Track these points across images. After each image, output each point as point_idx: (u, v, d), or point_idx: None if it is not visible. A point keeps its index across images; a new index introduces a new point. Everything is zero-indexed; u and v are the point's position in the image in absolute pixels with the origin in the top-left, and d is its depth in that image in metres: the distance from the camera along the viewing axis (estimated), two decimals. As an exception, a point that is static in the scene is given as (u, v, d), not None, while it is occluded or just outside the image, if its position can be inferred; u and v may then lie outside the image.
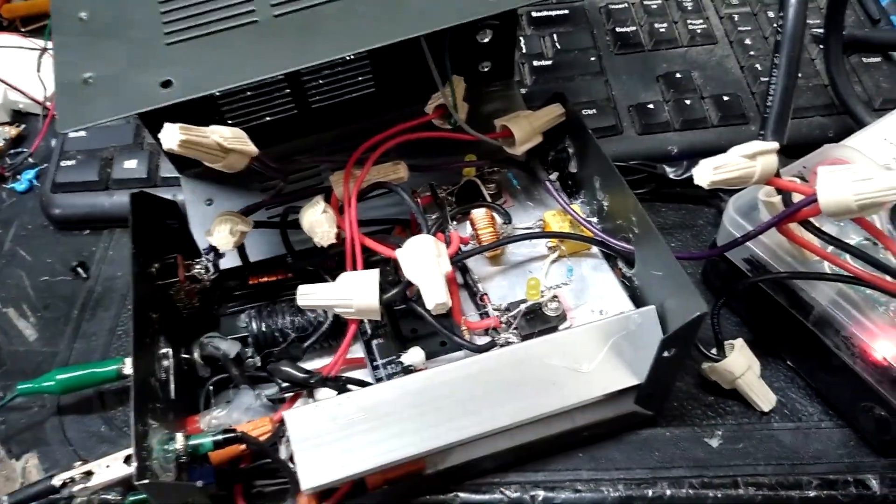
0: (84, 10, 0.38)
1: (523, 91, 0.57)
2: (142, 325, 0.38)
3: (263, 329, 0.43)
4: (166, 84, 0.34)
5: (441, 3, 0.37)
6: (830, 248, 0.41)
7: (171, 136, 0.32)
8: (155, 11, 0.38)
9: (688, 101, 0.57)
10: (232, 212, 0.42)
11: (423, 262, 0.39)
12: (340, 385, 0.41)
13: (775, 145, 0.35)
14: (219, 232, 0.40)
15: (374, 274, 0.39)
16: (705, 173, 0.34)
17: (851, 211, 0.34)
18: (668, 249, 0.39)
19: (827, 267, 0.42)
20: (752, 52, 0.60)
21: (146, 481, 0.32)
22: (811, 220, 0.38)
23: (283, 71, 0.35)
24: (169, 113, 0.34)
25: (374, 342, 0.43)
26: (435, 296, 0.37)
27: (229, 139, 0.34)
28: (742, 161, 0.34)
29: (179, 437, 0.35)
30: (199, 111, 0.36)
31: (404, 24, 0.36)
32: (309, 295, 0.39)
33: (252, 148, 0.36)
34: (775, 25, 0.38)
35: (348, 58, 0.47)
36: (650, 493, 0.41)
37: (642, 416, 0.43)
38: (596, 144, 0.45)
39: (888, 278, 0.38)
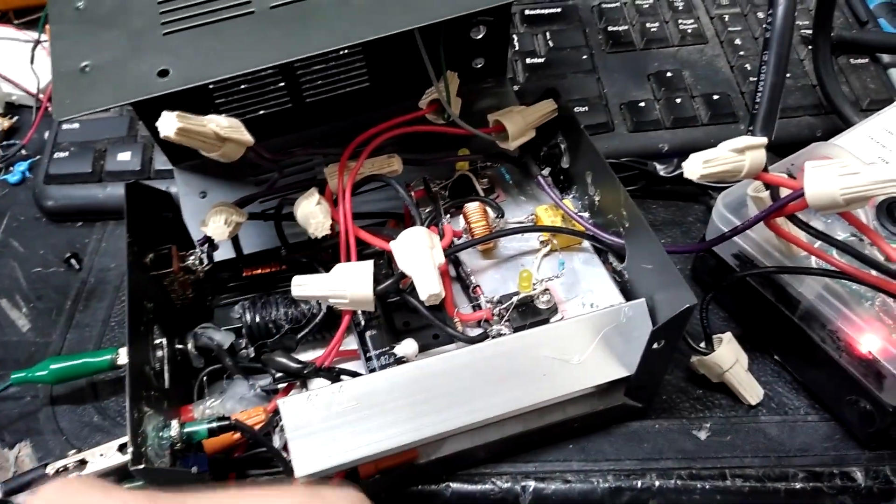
0: (81, 0, 0.38)
1: (516, 88, 0.58)
2: (136, 314, 0.38)
3: (257, 320, 0.43)
4: (163, 73, 0.35)
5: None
6: (817, 244, 0.41)
7: (169, 123, 0.32)
8: (152, 1, 0.38)
9: (678, 100, 0.58)
10: (227, 202, 0.42)
11: (417, 253, 0.39)
12: (334, 376, 0.41)
13: (764, 140, 0.36)
14: (214, 222, 0.41)
15: (369, 265, 0.39)
16: (695, 166, 0.35)
17: (838, 205, 0.35)
18: (659, 243, 0.39)
19: (814, 262, 0.42)
20: (741, 52, 0.61)
21: (142, 466, 0.32)
22: (798, 214, 0.39)
23: (280, 61, 0.35)
24: (164, 103, 0.34)
25: (368, 333, 0.43)
26: (428, 287, 0.37)
27: (226, 128, 0.34)
28: (731, 155, 0.35)
29: (174, 424, 0.36)
30: (193, 103, 0.36)
31: (401, 15, 0.37)
32: (303, 286, 0.39)
33: (248, 137, 0.36)
34: (764, 24, 0.39)
35: (343, 51, 0.47)
36: (639, 483, 0.42)
37: (632, 408, 0.43)
38: (588, 140, 0.45)
39: (874, 273, 0.39)
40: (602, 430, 0.44)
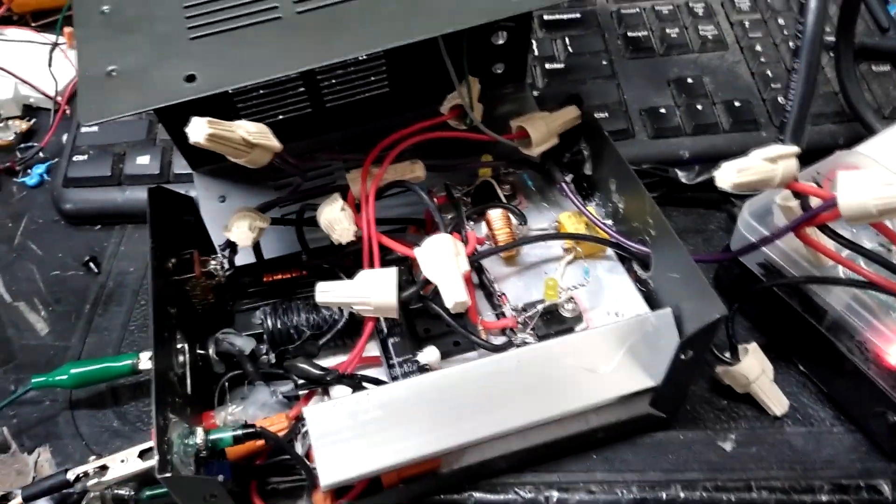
0: (106, 4, 0.38)
1: (535, 93, 0.58)
2: (161, 320, 0.38)
3: (279, 326, 0.43)
4: (190, 78, 0.34)
5: (463, 3, 0.37)
6: (845, 253, 0.41)
7: (199, 129, 0.32)
8: (177, 5, 0.38)
9: (699, 107, 0.57)
10: (250, 208, 0.42)
11: (442, 261, 0.39)
12: (356, 383, 0.41)
13: (795, 149, 0.36)
14: (237, 228, 0.40)
15: (393, 272, 0.39)
16: (728, 175, 0.34)
17: (871, 216, 0.34)
18: (687, 252, 0.39)
19: (841, 272, 0.42)
20: (762, 59, 0.60)
21: (168, 475, 0.32)
22: (828, 224, 0.39)
23: (307, 67, 0.35)
24: (187, 108, 0.34)
25: (391, 341, 0.43)
26: (454, 295, 0.37)
27: (254, 134, 0.34)
28: (764, 164, 0.34)
29: (199, 431, 0.35)
30: (215, 108, 0.36)
31: (426, 23, 0.36)
32: (328, 292, 0.39)
33: (276, 143, 0.36)
34: (795, 31, 0.39)
35: (365, 57, 0.47)
36: (664, 495, 0.41)
37: (657, 418, 0.43)
38: (612, 147, 0.45)
39: (903, 283, 0.39)
40: (626, 441, 0.43)
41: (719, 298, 0.36)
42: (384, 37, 0.36)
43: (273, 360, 0.43)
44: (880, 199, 0.34)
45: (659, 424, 0.43)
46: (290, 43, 0.36)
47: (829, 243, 0.40)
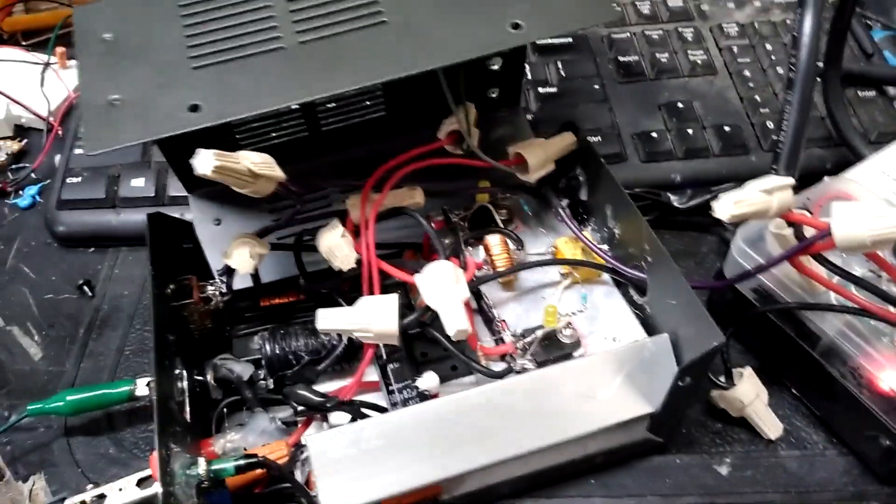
0: (109, 31, 0.38)
1: (529, 117, 0.58)
2: (161, 348, 0.38)
3: (277, 351, 0.43)
4: (194, 108, 0.35)
5: (462, 35, 0.38)
6: (836, 279, 0.42)
7: (206, 162, 0.32)
8: (180, 34, 0.38)
9: (690, 131, 0.58)
10: (249, 234, 0.42)
11: (443, 288, 0.39)
12: (355, 409, 0.41)
13: (791, 181, 0.36)
14: (238, 255, 0.40)
15: (394, 299, 0.39)
16: (726, 207, 0.35)
17: (864, 246, 0.35)
18: (683, 279, 0.40)
19: (833, 298, 0.43)
20: (751, 84, 0.61)
21: (172, 508, 0.31)
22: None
23: (310, 98, 0.35)
24: (185, 134, 0.34)
25: (390, 366, 0.43)
26: (456, 323, 0.37)
27: (259, 164, 0.34)
28: (761, 196, 0.35)
29: (202, 461, 0.35)
30: (213, 133, 0.36)
31: (427, 55, 0.37)
32: (328, 319, 0.39)
33: (280, 173, 0.36)
34: (788, 64, 0.40)
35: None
36: (661, 519, 0.42)
37: (654, 443, 0.43)
38: (608, 173, 0.46)
39: (892, 309, 0.39)
40: (623, 465, 0.44)
41: (717, 326, 0.37)
42: (387, 68, 0.36)
43: (271, 386, 0.43)
44: (874, 231, 0.34)
45: (656, 449, 0.44)
46: (293, 73, 0.36)
47: (822, 270, 0.41)
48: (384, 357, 0.43)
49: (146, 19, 0.38)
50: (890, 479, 0.43)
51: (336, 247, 0.41)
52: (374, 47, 0.37)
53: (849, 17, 0.52)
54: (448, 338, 0.39)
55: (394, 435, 0.37)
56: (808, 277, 0.41)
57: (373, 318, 0.39)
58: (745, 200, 0.35)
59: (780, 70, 0.62)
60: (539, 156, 0.46)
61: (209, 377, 0.42)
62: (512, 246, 0.46)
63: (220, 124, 0.34)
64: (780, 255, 0.39)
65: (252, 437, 0.41)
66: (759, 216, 0.36)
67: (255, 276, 0.45)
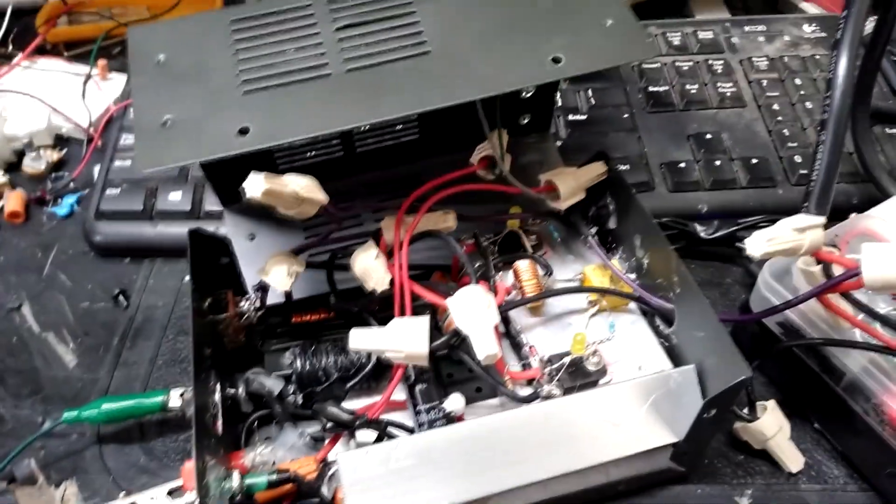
0: (162, 53, 0.39)
1: (558, 143, 0.59)
2: (199, 362, 0.39)
3: (308, 367, 0.44)
4: (244, 131, 0.36)
5: (503, 67, 0.39)
6: (861, 317, 0.42)
7: (257, 185, 0.33)
8: (232, 59, 0.39)
9: (717, 162, 0.59)
10: (285, 252, 0.43)
11: (474, 312, 0.40)
12: (383, 428, 0.42)
13: (822, 220, 0.37)
14: (276, 272, 0.41)
15: (425, 322, 0.40)
16: (759, 245, 0.35)
17: (893, 286, 0.36)
18: (713, 311, 0.40)
19: (858, 335, 0.43)
20: (779, 118, 0.62)
21: (209, 520, 0.32)
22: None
23: (354, 125, 0.36)
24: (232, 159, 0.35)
25: (418, 387, 0.44)
26: (487, 347, 0.38)
27: (304, 187, 0.35)
28: (793, 234, 0.36)
29: (236, 475, 0.36)
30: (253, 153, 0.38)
31: (468, 86, 0.38)
32: (361, 338, 0.40)
33: (323, 196, 0.37)
34: (823, 105, 0.40)
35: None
36: (681, 549, 0.42)
37: (676, 472, 0.44)
38: (638, 203, 0.46)
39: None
40: (644, 493, 0.44)
41: (744, 360, 0.37)
42: (428, 98, 0.37)
43: (300, 402, 0.44)
44: (904, 272, 0.35)
45: (678, 478, 0.44)
46: (338, 100, 0.37)
47: (847, 307, 0.42)
48: (412, 377, 0.44)
49: (199, 42, 0.40)
50: (910, 517, 0.43)
51: (371, 268, 0.42)
52: (416, 77, 0.38)
53: (879, 55, 0.52)
54: (477, 361, 0.40)
55: (422, 456, 0.38)
56: (833, 314, 0.42)
57: (404, 339, 0.39)
58: (777, 238, 0.36)
59: (808, 105, 0.63)
60: (570, 184, 0.47)
61: (241, 391, 0.43)
62: (541, 272, 0.47)
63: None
64: (808, 291, 0.40)
65: (281, 452, 0.42)
66: (789, 254, 0.36)
67: (288, 292, 0.46)
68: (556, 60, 0.38)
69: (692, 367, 0.41)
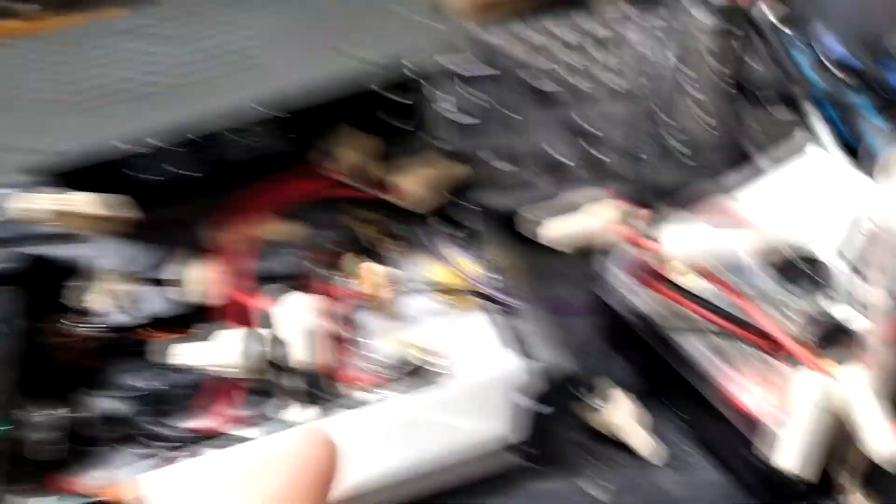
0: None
1: (438, 146, 0.59)
2: (15, 384, 0.38)
3: (147, 386, 0.43)
4: (48, 153, 0.35)
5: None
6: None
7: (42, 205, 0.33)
8: (36, 80, 0.39)
9: (600, 157, 0.59)
10: (114, 271, 0.43)
11: (299, 319, 0.39)
12: (221, 443, 0.41)
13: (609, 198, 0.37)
14: (100, 293, 0.41)
15: (252, 333, 0.40)
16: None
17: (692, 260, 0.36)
18: (546, 307, 0.40)
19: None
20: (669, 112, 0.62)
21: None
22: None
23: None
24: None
25: (252, 398, 0.43)
26: (307, 354, 0.38)
27: (90, 203, 0.35)
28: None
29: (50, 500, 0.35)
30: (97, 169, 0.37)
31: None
32: (184, 355, 0.39)
33: (116, 212, 0.37)
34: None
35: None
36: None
37: (522, 467, 0.43)
38: (493, 202, 0.47)
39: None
40: (496, 492, 0.43)
41: (571, 354, 0.38)
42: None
43: (140, 422, 0.43)
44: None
45: (529, 473, 0.44)
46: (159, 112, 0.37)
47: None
48: (246, 390, 0.43)
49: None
50: (768, 498, 0.43)
51: (201, 280, 0.42)
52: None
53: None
54: (308, 368, 0.39)
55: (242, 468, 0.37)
56: (666, 298, 0.42)
57: (228, 352, 0.39)
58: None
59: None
60: (425, 184, 0.47)
61: (78, 413, 0.42)
62: (389, 273, 0.46)
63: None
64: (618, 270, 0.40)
65: (116, 474, 0.41)
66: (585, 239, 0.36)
67: (126, 311, 0.46)
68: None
69: (531, 363, 0.41)
